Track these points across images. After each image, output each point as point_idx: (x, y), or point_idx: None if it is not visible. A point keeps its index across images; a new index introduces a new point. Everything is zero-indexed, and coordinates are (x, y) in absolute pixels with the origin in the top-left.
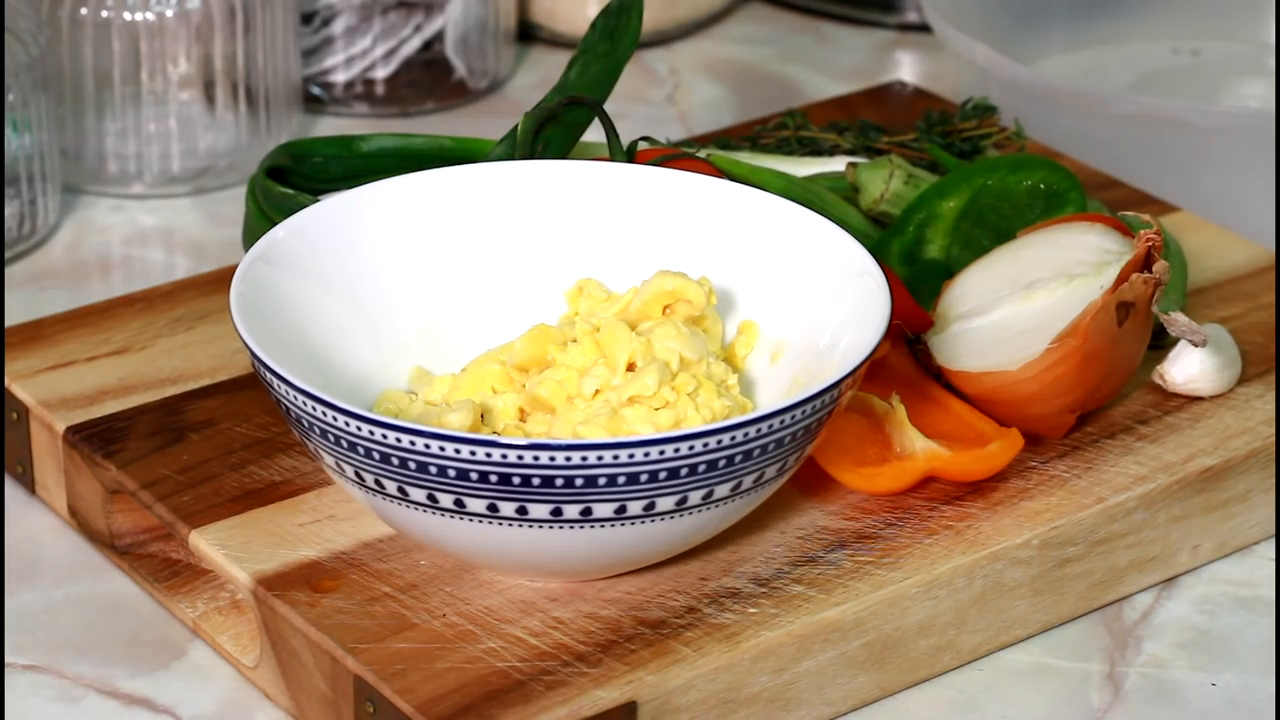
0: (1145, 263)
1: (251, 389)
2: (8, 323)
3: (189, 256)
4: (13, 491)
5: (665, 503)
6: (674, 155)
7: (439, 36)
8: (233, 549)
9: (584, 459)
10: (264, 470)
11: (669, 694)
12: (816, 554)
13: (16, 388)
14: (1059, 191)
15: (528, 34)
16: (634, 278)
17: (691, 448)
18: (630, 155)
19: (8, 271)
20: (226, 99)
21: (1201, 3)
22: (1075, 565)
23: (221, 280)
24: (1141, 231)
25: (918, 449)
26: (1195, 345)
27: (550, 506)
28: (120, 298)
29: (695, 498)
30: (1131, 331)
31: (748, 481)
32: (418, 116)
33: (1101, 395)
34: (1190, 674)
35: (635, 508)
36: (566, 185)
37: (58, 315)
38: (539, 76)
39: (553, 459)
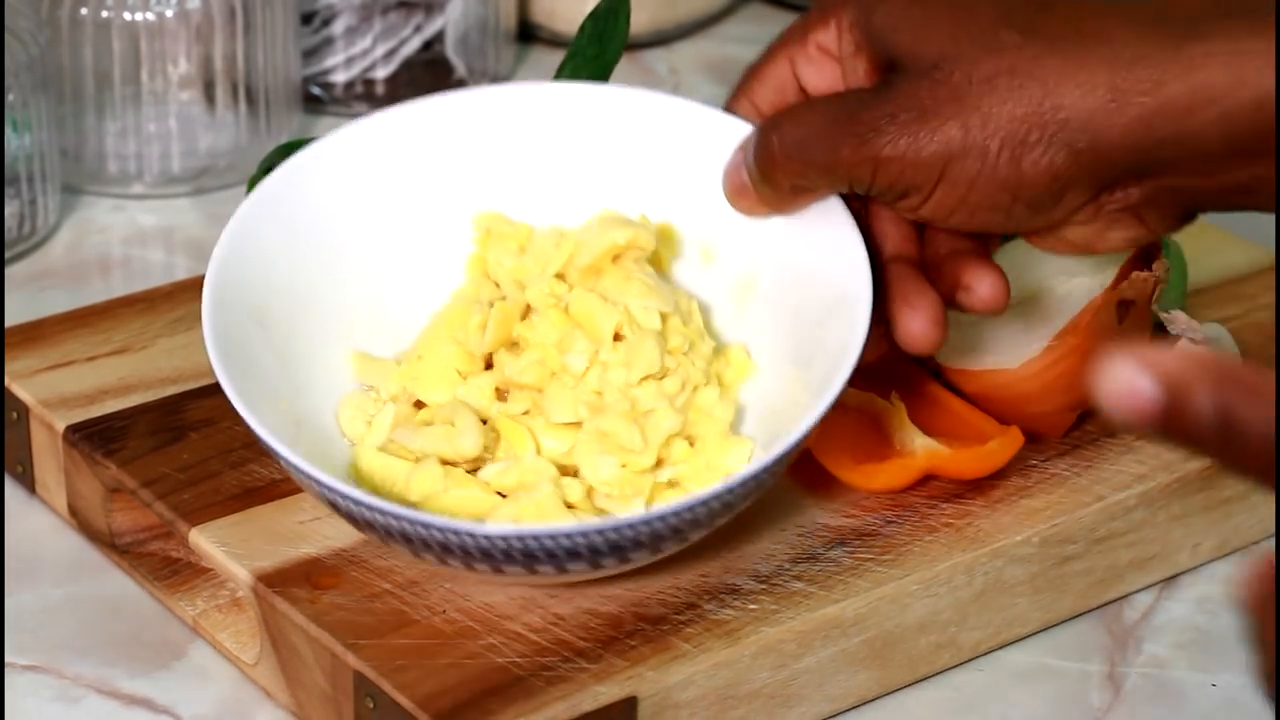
0: (1145, 262)
1: None
2: (8, 323)
3: (189, 256)
4: (13, 491)
5: (670, 545)
6: None
7: (439, 36)
8: (232, 546)
9: (629, 529)
10: (264, 468)
11: (669, 690)
12: (816, 551)
13: (16, 387)
14: None
15: (528, 34)
16: (563, 201)
17: (724, 496)
18: None
19: (8, 271)
20: (226, 99)
21: None
22: (1075, 563)
23: None
24: None
25: (917, 447)
26: (1195, 345)
27: (554, 565)
28: (120, 298)
29: (695, 535)
30: (1131, 330)
31: (738, 506)
32: None
33: None
34: (1190, 674)
35: (609, 563)
36: (498, 112)
37: (58, 315)
38: (539, 76)
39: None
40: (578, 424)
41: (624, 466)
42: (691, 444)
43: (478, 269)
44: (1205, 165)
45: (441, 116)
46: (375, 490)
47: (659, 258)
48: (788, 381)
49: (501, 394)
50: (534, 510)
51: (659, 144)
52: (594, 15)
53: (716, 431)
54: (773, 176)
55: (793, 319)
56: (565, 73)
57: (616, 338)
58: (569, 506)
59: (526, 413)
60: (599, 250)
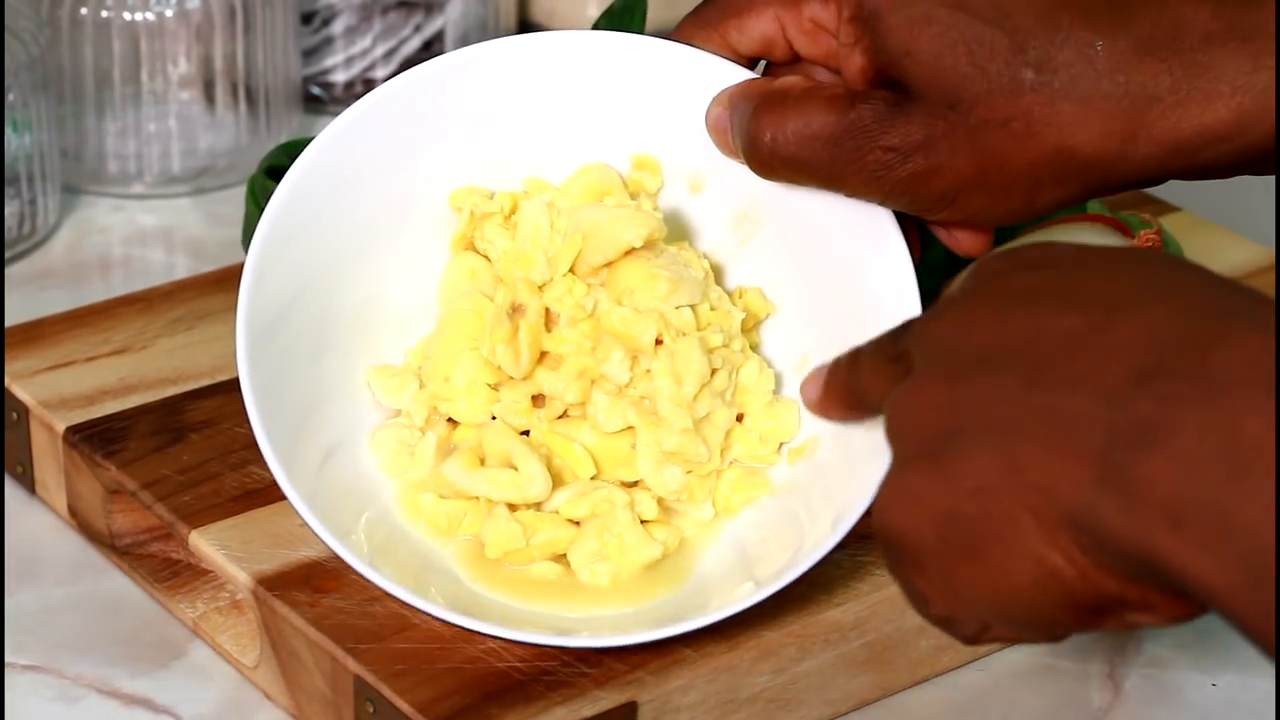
0: None
1: None
2: (8, 323)
3: (189, 256)
4: (13, 491)
5: None
6: None
7: (439, 36)
8: (233, 549)
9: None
10: (264, 470)
11: (669, 694)
12: None
13: (16, 388)
14: None
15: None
16: (527, 156)
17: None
18: None
19: (8, 271)
20: (226, 99)
21: None
22: None
23: (222, 280)
24: (1141, 231)
25: None
26: None
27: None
28: (120, 298)
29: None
30: None
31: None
32: None
33: None
34: (1190, 674)
35: None
36: (421, 98)
37: (58, 315)
38: None
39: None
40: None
41: (689, 472)
42: (740, 419)
43: (463, 247)
44: (1213, 175)
45: (417, 93)
46: (430, 528)
47: (640, 185)
48: (812, 322)
49: (537, 400)
50: (618, 546)
51: (633, 84)
52: (609, 14)
53: (762, 403)
54: (761, 168)
55: (802, 250)
56: None
57: (657, 343)
58: (643, 522)
59: (564, 415)
60: (613, 251)
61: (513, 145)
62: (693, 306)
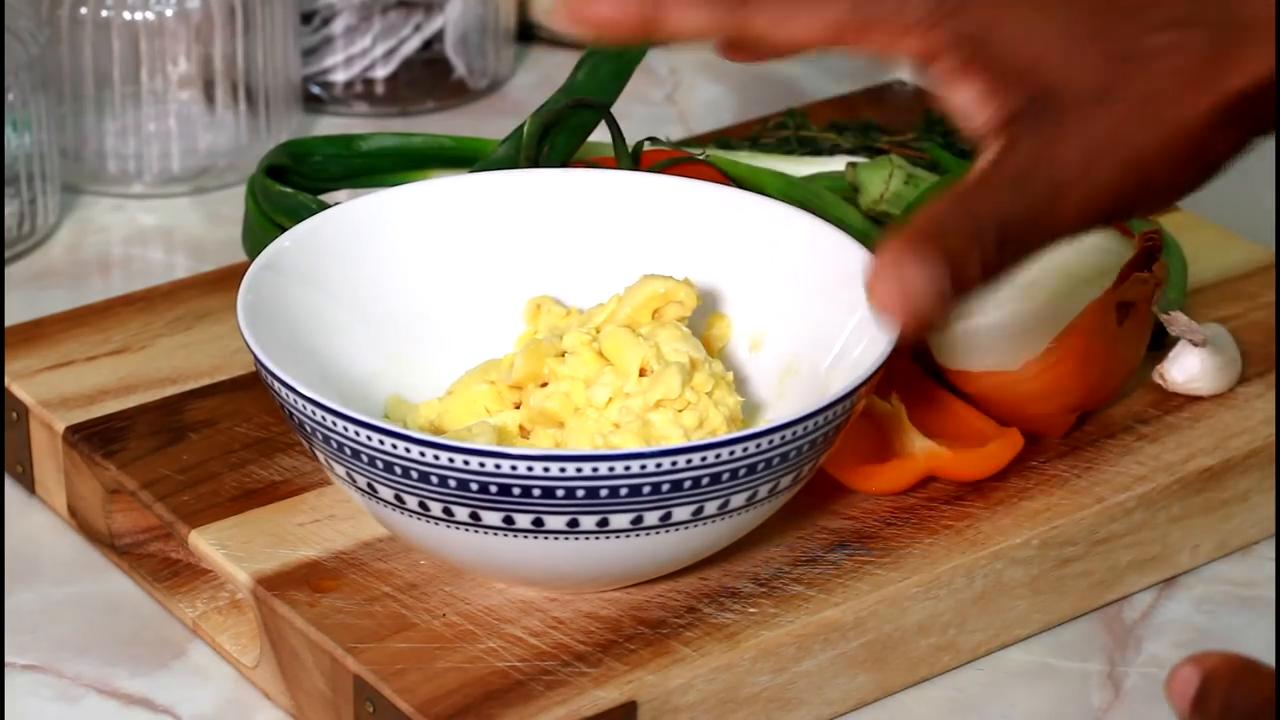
0: (1145, 262)
1: (251, 389)
2: (8, 323)
3: (189, 256)
4: (13, 491)
5: (681, 513)
6: (681, 160)
7: (439, 36)
8: (232, 549)
9: (642, 467)
10: (264, 470)
11: (669, 694)
12: (816, 553)
13: (16, 387)
14: None
15: (528, 34)
16: (616, 285)
17: (733, 452)
18: (635, 157)
19: (8, 271)
20: (226, 98)
21: None
22: (1075, 565)
23: (222, 280)
24: (1141, 231)
25: (917, 448)
26: (1195, 345)
27: (567, 518)
28: (120, 297)
29: (711, 508)
30: (1131, 331)
31: (763, 491)
32: (417, 116)
33: (1101, 395)
34: None
35: (652, 518)
36: (567, 193)
37: (58, 315)
38: (539, 76)
39: (596, 469)
40: None
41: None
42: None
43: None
44: None
45: (505, 191)
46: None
47: (709, 342)
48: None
49: (525, 432)
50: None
51: (713, 232)
52: None
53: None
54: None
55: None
56: (582, 70)
57: (643, 374)
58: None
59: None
60: (638, 300)
61: (568, 273)
62: (693, 360)
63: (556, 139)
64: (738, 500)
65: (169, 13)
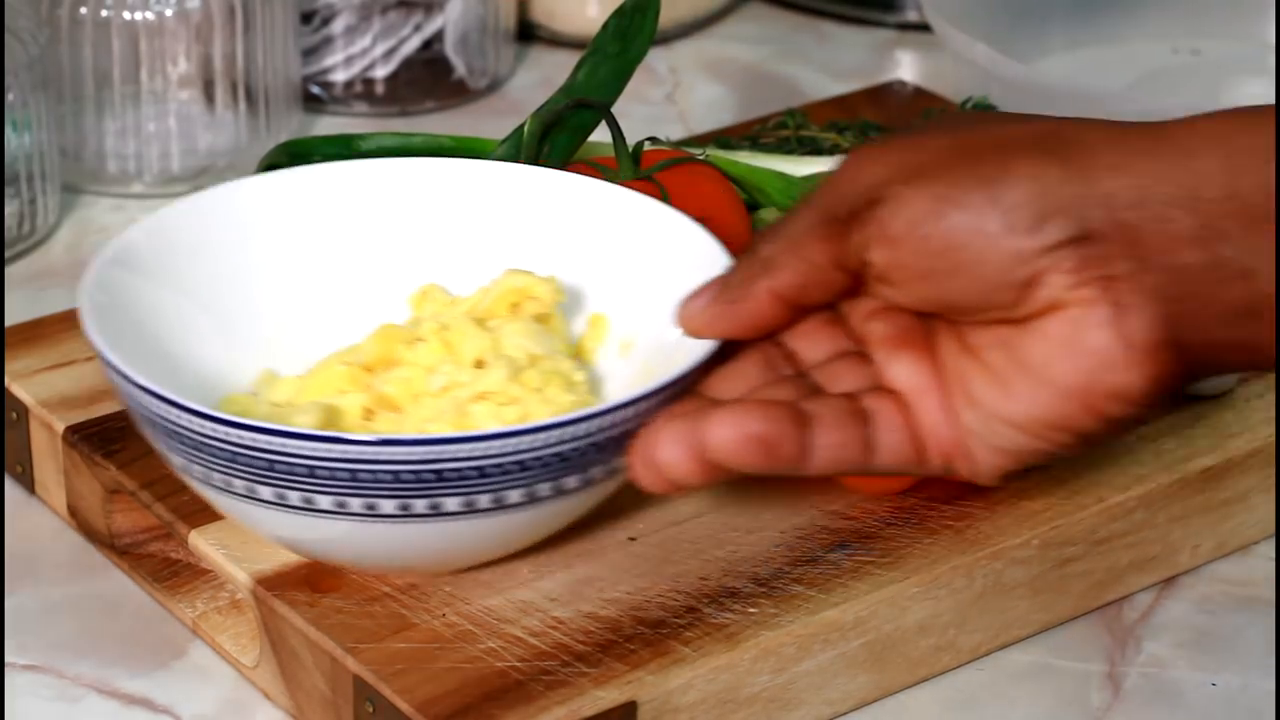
0: None
1: None
2: (8, 323)
3: None
4: (13, 491)
5: (514, 495)
6: (681, 160)
7: (439, 36)
8: (232, 549)
9: (437, 453)
10: None
11: (669, 694)
12: (816, 554)
13: (16, 387)
14: None
15: (528, 33)
16: (484, 277)
17: (535, 441)
18: (636, 157)
19: (8, 271)
20: (226, 98)
21: (1201, 2)
22: (1075, 565)
23: None
24: None
25: None
26: None
27: (397, 502)
28: None
29: (544, 490)
30: None
31: (598, 473)
32: (417, 116)
33: None
34: (1190, 674)
35: (483, 501)
36: (417, 184)
37: (58, 315)
38: (539, 76)
39: (396, 454)
40: None
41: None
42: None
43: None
44: None
45: (393, 180)
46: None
47: (584, 348)
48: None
49: (371, 414)
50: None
51: (611, 236)
52: (619, 12)
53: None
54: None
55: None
56: (583, 70)
57: (480, 365)
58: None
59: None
60: (497, 293)
61: (451, 262)
62: (532, 356)
63: (557, 139)
64: (514, 496)
65: (169, 13)
